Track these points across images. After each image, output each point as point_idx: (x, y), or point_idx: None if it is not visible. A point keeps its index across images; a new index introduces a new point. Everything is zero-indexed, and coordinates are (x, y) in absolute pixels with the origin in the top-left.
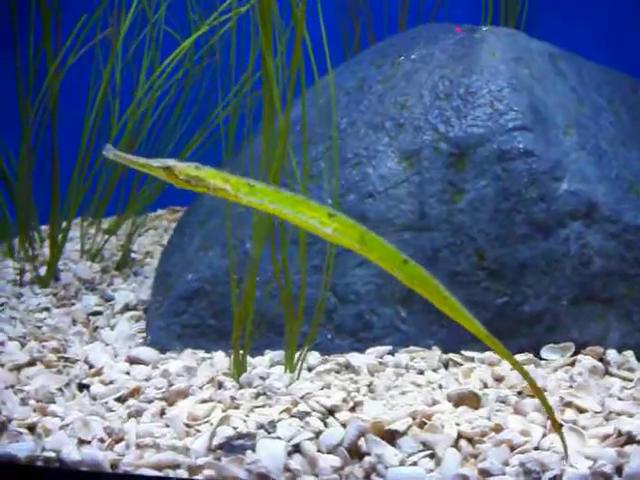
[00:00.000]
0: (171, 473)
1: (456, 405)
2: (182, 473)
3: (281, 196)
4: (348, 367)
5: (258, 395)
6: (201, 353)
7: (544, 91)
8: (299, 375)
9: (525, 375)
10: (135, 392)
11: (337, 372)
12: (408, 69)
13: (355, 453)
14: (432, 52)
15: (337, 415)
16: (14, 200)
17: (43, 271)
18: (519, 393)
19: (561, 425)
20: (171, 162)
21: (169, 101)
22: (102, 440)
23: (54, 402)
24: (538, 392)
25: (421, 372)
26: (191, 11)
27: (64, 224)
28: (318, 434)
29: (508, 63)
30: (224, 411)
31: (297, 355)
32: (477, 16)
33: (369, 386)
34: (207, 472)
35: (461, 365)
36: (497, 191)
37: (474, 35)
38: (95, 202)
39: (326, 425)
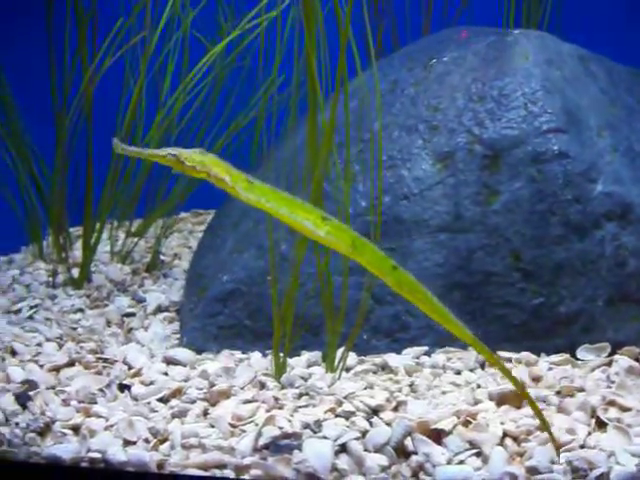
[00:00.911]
0: (218, 473)
1: (498, 404)
2: (229, 473)
3: (278, 196)
4: (385, 368)
5: (301, 395)
6: (238, 354)
7: (576, 93)
8: (340, 375)
9: (517, 384)
10: (177, 392)
11: (374, 372)
12: (440, 72)
13: (401, 452)
14: (464, 55)
15: (381, 415)
16: (44, 203)
17: (74, 273)
18: (557, 393)
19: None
20: (177, 150)
21: (199, 104)
22: (147, 441)
23: (95, 403)
24: (529, 399)
25: (458, 372)
26: (222, 17)
27: (96, 226)
28: (364, 433)
29: (540, 65)
30: (268, 411)
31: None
32: (499, 20)
33: (411, 386)
34: (254, 472)
35: None
36: (532, 193)
37: (506, 38)
38: (122, 205)
39: (371, 425)
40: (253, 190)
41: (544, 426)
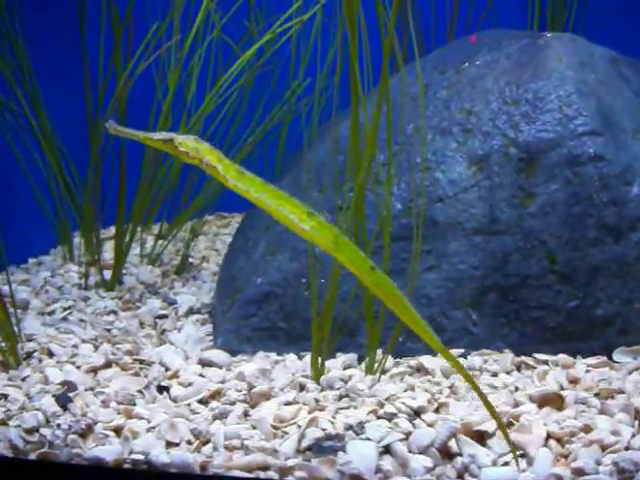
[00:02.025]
0: (261, 475)
1: (540, 406)
2: (272, 475)
3: (266, 188)
4: (420, 370)
5: (341, 397)
6: (273, 356)
7: (610, 96)
8: (380, 377)
9: (477, 389)
10: (216, 394)
11: (410, 375)
12: (473, 75)
13: (445, 454)
14: (497, 58)
15: (423, 416)
16: (74, 205)
17: (106, 275)
18: (596, 395)
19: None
20: (172, 134)
21: (230, 106)
22: (189, 442)
23: (134, 404)
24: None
25: (494, 374)
26: (254, 23)
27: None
28: (408, 435)
29: (574, 68)
30: (310, 413)
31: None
32: (524, 23)
33: (450, 388)
34: (298, 473)
35: (534, 368)
36: (568, 195)
37: (538, 41)
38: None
39: (414, 426)
40: (242, 180)
41: (491, 411)
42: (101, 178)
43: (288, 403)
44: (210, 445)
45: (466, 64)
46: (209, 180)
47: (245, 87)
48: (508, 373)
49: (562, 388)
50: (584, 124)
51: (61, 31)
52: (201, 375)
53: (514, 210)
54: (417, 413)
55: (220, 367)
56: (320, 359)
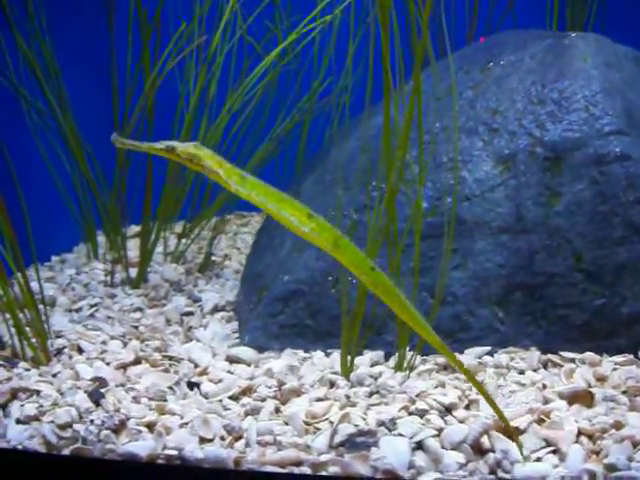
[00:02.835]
0: (295, 470)
1: (570, 403)
2: (305, 470)
3: (268, 191)
4: (447, 367)
5: (372, 393)
6: (301, 353)
7: (636, 95)
8: (410, 374)
9: (478, 386)
10: (247, 391)
11: (437, 372)
12: (498, 75)
13: (477, 450)
14: (522, 58)
15: (454, 413)
16: (99, 204)
17: (131, 272)
18: (624, 392)
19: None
20: (174, 143)
21: (254, 106)
22: (222, 438)
23: (165, 400)
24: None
25: (522, 372)
26: (279, 24)
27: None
28: (440, 431)
29: (600, 68)
30: (341, 409)
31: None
32: (542, 24)
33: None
34: (332, 469)
35: (560, 366)
36: (594, 194)
37: (563, 41)
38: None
39: (445, 422)
40: (244, 184)
41: (488, 401)
42: (127, 178)
43: (319, 399)
44: (243, 441)
45: (491, 64)
46: None
47: (269, 87)
48: (535, 371)
49: (589, 386)
50: (610, 123)
51: (88, 31)
52: (229, 372)
53: (540, 209)
54: (448, 410)
55: (248, 364)
56: (349, 356)
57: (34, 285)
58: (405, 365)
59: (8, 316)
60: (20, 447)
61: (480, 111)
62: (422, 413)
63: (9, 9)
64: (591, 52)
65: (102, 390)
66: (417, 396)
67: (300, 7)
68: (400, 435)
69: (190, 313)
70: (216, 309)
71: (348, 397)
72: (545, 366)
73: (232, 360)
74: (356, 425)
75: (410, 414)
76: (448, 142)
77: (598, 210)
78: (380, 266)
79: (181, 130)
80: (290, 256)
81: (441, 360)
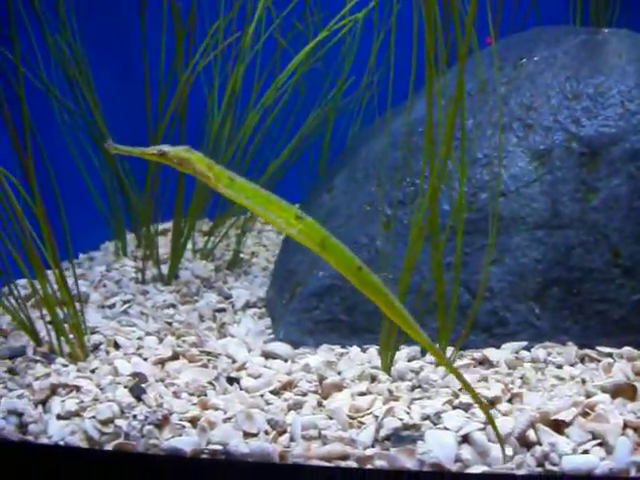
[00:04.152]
0: (341, 464)
1: (613, 396)
2: (351, 464)
3: (256, 193)
4: (483, 362)
5: (414, 388)
6: (337, 348)
7: None
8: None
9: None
10: (287, 385)
11: (474, 367)
12: (531, 71)
13: (523, 443)
14: (555, 54)
15: (498, 406)
16: (128, 201)
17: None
18: None
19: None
20: (165, 147)
21: (284, 104)
22: (266, 432)
23: (205, 395)
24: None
25: (559, 366)
26: (310, 23)
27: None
28: (485, 424)
29: (634, 63)
30: (384, 403)
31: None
32: (566, 21)
33: (521, 378)
34: (378, 463)
35: (598, 360)
36: (631, 189)
37: (596, 37)
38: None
39: None
40: (233, 186)
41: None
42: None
43: (362, 394)
44: (287, 435)
45: (524, 60)
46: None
47: (298, 84)
48: (572, 365)
49: (629, 380)
50: None
51: (120, 31)
52: (266, 367)
53: (577, 204)
54: (492, 403)
55: (284, 359)
56: (390, 351)
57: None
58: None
59: (43, 312)
60: (62, 443)
61: (514, 107)
62: (466, 407)
63: (40, 9)
64: (625, 48)
65: (142, 385)
66: (460, 390)
67: (326, 5)
68: (446, 429)
69: (222, 309)
70: (247, 305)
71: (390, 391)
72: (582, 361)
73: (268, 356)
74: (400, 419)
75: (454, 408)
76: (483, 138)
77: (635, 205)
78: (422, 262)
79: (209, 130)
80: None
81: (477, 355)
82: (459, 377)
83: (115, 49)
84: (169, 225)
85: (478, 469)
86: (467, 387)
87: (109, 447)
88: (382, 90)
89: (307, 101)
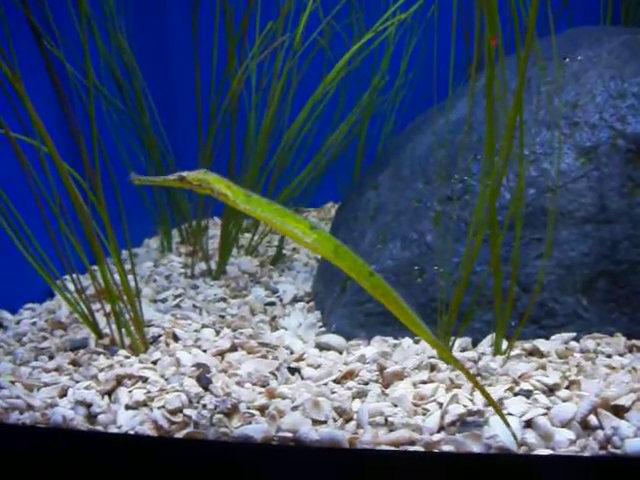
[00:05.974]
0: (409, 449)
1: None
2: (419, 449)
3: (272, 207)
4: (533, 353)
5: (475, 376)
6: (390, 340)
7: None
8: (508, 358)
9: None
10: (348, 375)
11: (525, 357)
12: (576, 70)
13: (584, 427)
14: (599, 53)
15: (557, 393)
16: (174, 199)
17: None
18: None
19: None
20: (183, 173)
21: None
22: (334, 419)
23: (268, 384)
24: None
25: (609, 356)
26: (354, 25)
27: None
28: (547, 410)
29: None
30: (448, 391)
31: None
32: (597, 19)
33: (577, 366)
34: (445, 448)
35: None
36: None
37: (637, 37)
38: None
39: (550, 402)
40: (250, 202)
41: (486, 396)
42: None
43: (423, 382)
44: (353, 422)
45: (567, 59)
46: (289, 178)
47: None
48: (621, 355)
49: None
50: None
51: (172, 32)
52: (322, 358)
53: (624, 200)
54: (551, 390)
55: (339, 351)
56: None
57: (117, 277)
58: (504, 349)
59: (101, 305)
60: (132, 432)
61: (559, 105)
62: (527, 393)
63: (90, 11)
64: None
65: (208, 376)
66: (520, 377)
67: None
68: (509, 414)
69: (272, 303)
70: (295, 299)
71: (452, 380)
72: (630, 350)
73: (322, 347)
74: (465, 405)
75: (515, 395)
76: (529, 135)
77: None
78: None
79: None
80: (374, 247)
81: (527, 346)
82: (467, 374)
83: (163, 48)
84: (209, 222)
85: (543, 452)
86: (477, 385)
87: (179, 436)
88: (417, 91)
89: (347, 101)
